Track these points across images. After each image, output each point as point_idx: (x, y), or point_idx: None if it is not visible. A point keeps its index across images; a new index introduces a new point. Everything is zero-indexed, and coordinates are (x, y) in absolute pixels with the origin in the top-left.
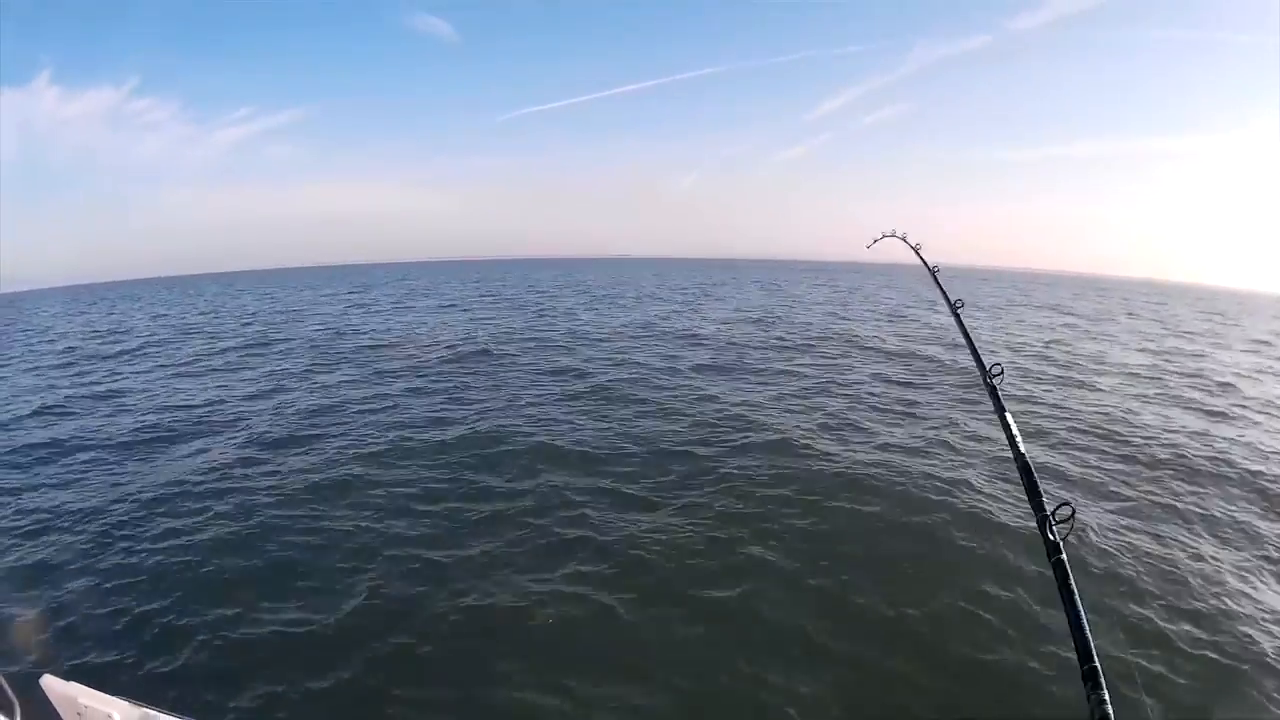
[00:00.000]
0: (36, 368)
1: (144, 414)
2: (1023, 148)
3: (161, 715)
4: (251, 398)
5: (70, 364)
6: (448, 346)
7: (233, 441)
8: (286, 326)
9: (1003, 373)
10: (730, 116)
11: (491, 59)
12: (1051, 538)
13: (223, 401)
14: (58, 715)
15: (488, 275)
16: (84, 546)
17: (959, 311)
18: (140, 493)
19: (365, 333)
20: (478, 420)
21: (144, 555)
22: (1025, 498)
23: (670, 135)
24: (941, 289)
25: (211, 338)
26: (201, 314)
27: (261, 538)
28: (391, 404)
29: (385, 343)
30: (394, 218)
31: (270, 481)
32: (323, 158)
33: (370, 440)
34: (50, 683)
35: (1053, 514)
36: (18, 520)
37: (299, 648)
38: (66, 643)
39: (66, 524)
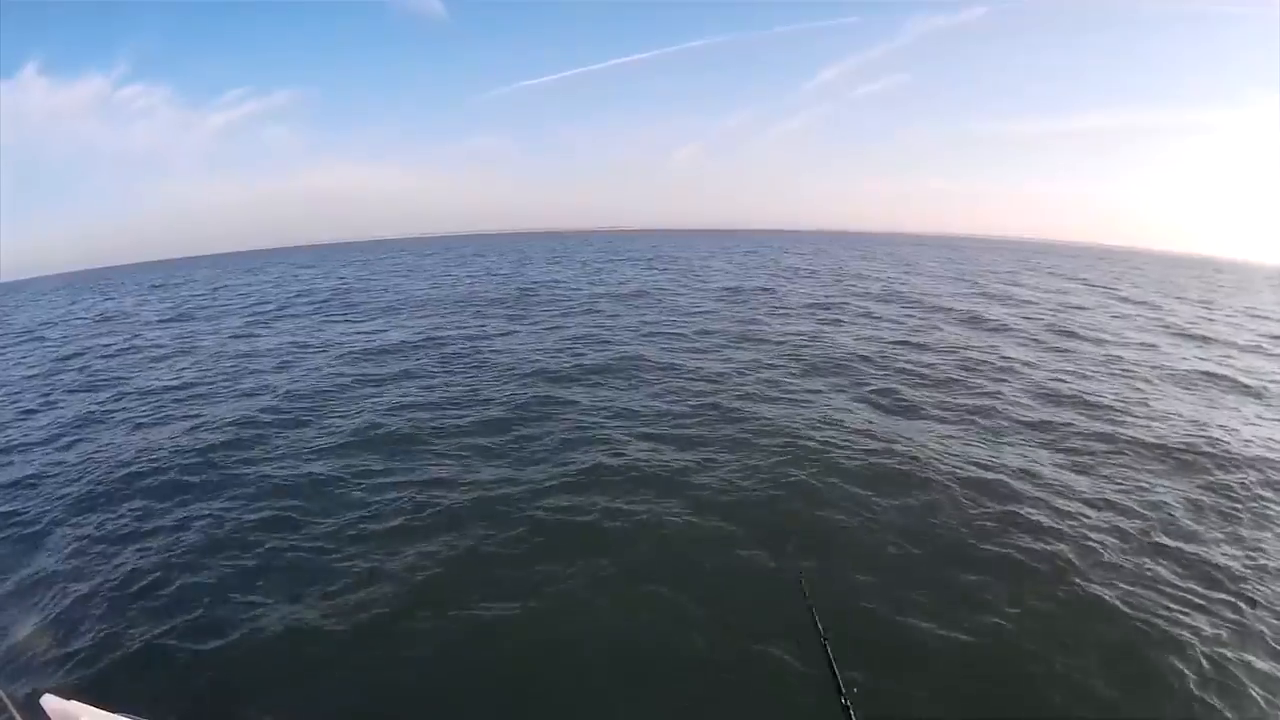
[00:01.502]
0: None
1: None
2: (1017, 120)
3: None
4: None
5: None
6: None
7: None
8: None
9: (856, 693)
10: (727, 89)
11: (482, 34)
12: None
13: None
14: None
15: (510, 249)
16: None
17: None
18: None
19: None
20: None
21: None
22: None
23: (668, 109)
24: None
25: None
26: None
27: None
28: None
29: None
30: (392, 196)
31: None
32: (317, 139)
33: None
34: (51, 702)
35: None
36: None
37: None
38: (66, 659)
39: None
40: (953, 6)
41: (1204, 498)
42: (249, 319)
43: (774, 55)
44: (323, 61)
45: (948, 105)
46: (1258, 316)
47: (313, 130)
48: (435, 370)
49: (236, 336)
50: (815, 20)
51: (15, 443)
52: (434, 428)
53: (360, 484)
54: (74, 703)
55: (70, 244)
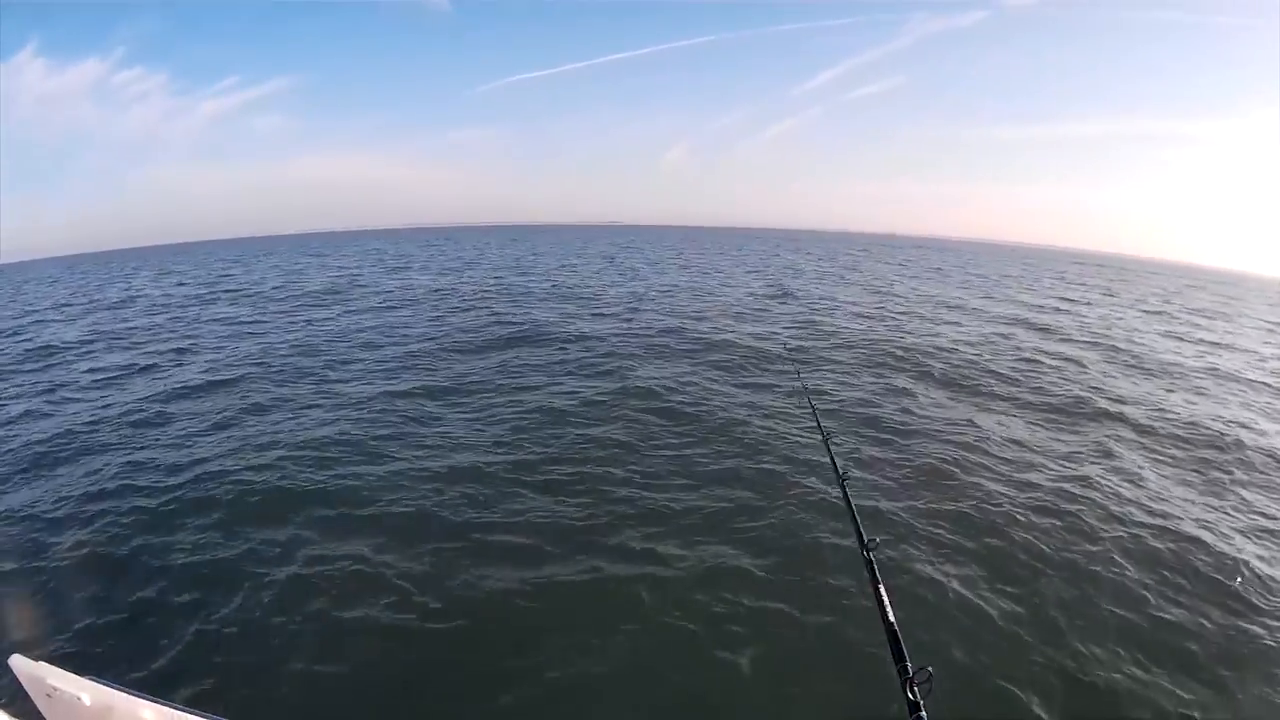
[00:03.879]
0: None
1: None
2: (1015, 126)
3: (130, 696)
4: None
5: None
6: None
7: None
8: None
9: (878, 545)
10: (720, 87)
11: (482, 27)
12: (911, 697)
13: None
14: (27, 696)
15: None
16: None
17: (845, 484)
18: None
19: None
20: None
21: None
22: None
23: (661, 105)
24: (832, 459)
25: None
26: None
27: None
28: None
29: None
30: (386, 186)
31: None
32: (313, 127)
33: None
34: (19, 663)
35: (914, 675)
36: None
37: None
38: (38, 623)
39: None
40: (951, 10)
41: None
42: None
43: (774, 54)
44: (322, 50)
45: (943, 109)
46: None
47: (311, 117)
48: None
49: None
50: (817, 20)
51: None
52: None
53: None
54: (43, 664)
55: (70, 227)
